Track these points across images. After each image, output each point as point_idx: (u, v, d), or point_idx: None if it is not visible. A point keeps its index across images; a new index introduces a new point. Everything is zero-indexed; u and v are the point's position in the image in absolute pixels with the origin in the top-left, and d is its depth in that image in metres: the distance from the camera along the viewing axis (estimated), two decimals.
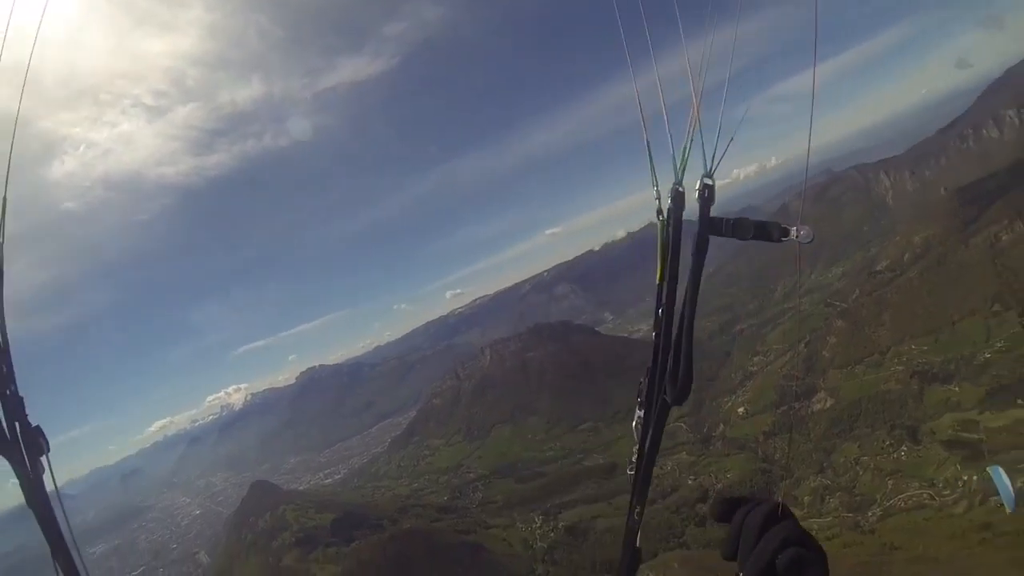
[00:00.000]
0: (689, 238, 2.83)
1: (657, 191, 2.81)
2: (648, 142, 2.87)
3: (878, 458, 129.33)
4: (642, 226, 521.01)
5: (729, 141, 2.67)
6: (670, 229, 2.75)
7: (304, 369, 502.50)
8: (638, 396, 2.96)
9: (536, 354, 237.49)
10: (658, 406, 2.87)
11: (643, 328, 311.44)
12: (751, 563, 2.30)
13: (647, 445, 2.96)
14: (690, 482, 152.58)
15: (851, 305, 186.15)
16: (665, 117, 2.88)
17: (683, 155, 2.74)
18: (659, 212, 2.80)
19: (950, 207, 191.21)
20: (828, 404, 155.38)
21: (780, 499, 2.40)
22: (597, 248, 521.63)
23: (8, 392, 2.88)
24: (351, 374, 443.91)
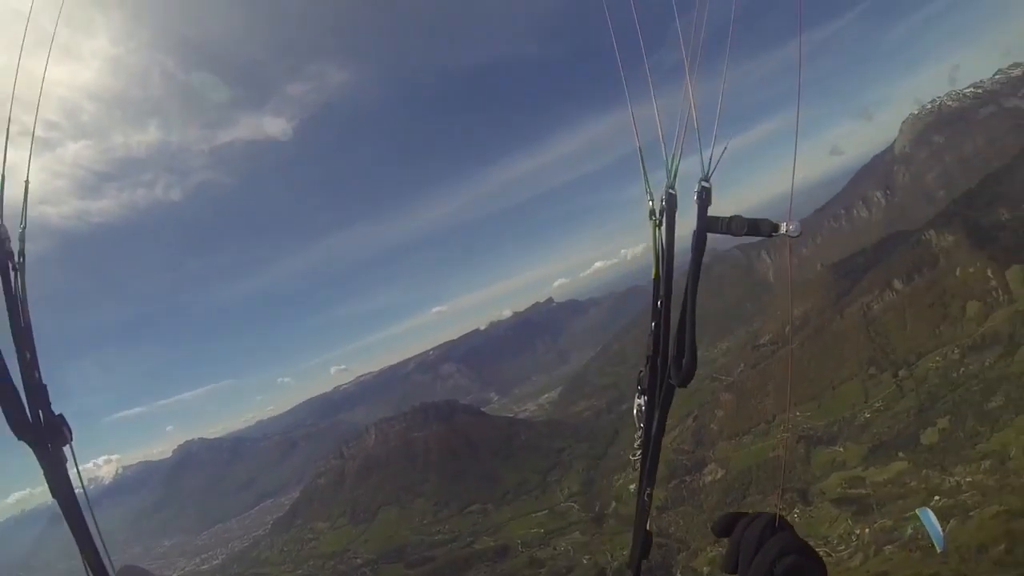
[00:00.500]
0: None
1: (649, 193, 3.11)
2: (640, 146, 3.15)
3: None
4: (528, 306, 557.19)
5: (725, 147, 2.88)
6: (662, 229, 3.08)
7: (182, 442, 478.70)
8: (638, 385, 3.12)
9: (421, 434, 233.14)
10: (663, 390, 3.03)
11: (529, 408, 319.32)
12: (750, 573, 2.38)
13: (655, 428, 3.10)
14: (585, 561, 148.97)
15: (736, 378, 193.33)
16: (658, 120, 3.09)
17: (675, 158, 3.01)
18: (651, 213, 3.11)
19: (826, 281, 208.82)
20: (719, 475, 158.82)
21: (777, 511, 2.50)
22: (483, 327, 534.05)
23: (32, 381, 2.95)
24: (232, 449, 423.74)
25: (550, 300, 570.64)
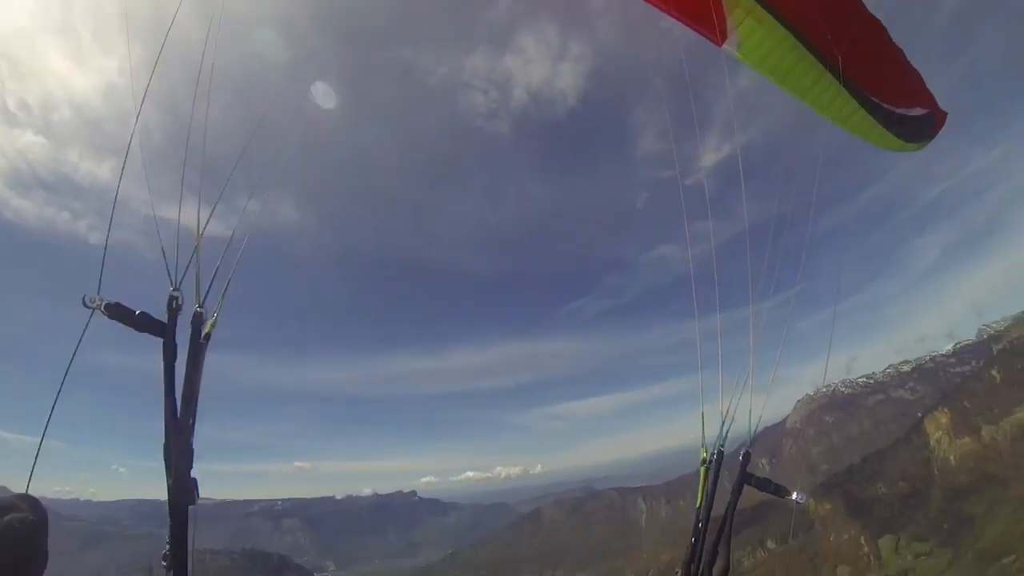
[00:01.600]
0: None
1: (704, 446, 4.38)
2: (703, 412, 4.46)
3: None
4: (391, 491, 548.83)
5: (759, 420, 4.32)
6: (712, 474, 4.27)
7: None
8: None
9: None
10: None
11: None
12: None
13: None
14: None
15: None
16: (720, 390, 4.57)
17: (727, 425, 4.31)
18: (703, 462, 4.38)
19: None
20: None
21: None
22: (339, 497, 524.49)
23: (188, 444, 4.04)
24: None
25: (413, 492, 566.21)
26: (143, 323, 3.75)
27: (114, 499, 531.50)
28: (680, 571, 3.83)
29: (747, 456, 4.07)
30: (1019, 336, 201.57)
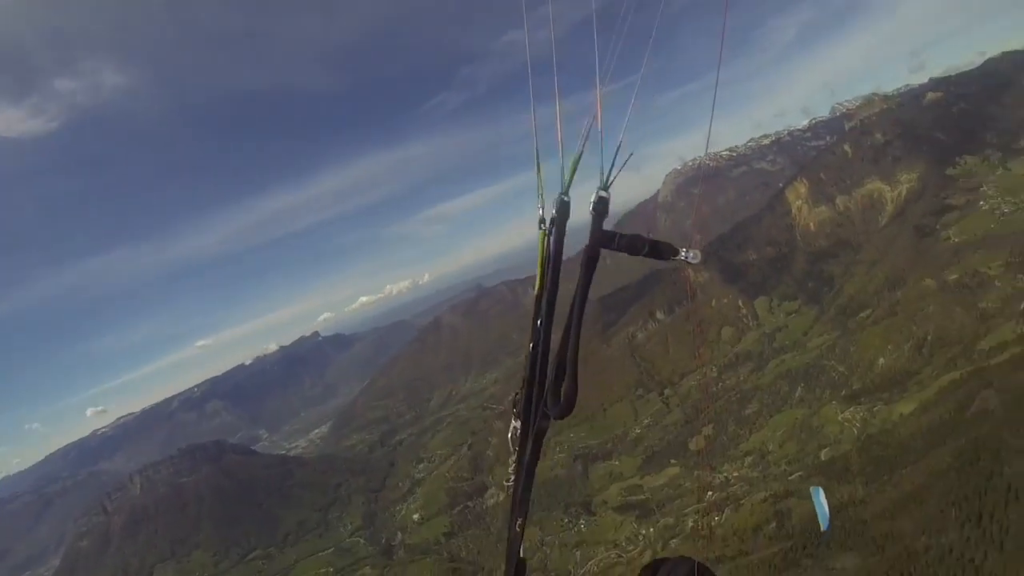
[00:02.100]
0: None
1: (542, 200, 2.96)
2: (537, 149, 2.94)
3: (561, 535, 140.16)
4: (294, 340, 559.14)
5: (629, 155, 2.78)
6: (551, 239, 2.93)
7: None
8: (514, 407, 3.05)
9: (191, 479, 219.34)
10: (537, 419, 2.92)
11: (300, 444, 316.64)
12: None
13: (528, 456, 3.01)
14: None
15: (506, 406, 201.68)
16: (558, 125, 2.92)
17: (573, 164, 2.84)
18: (541, 222, 2.96)
19: (593, 313, 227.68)
20: (501, 497, 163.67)
21: (697, 559, 2.48)
22: (248, 362, 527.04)
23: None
24: None
25: (316, 334, 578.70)
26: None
27: (41, 457, 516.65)
28: (520, 393, 3.00)
29: (602, 204, 2.78)
30: (868, 115, 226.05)
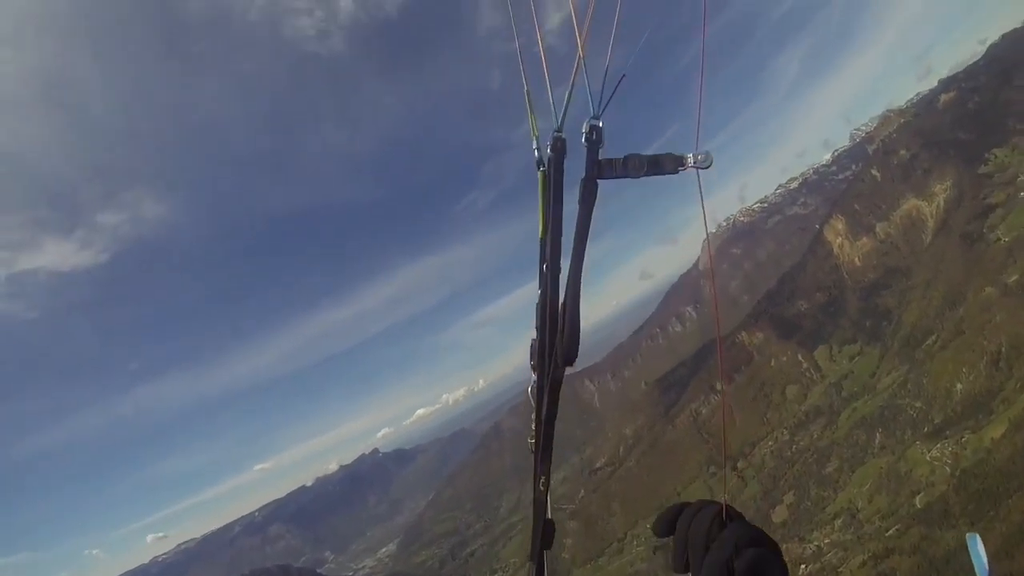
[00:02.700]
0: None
1: (536, 140, 2.69)
2: (528, 89, 2.72)
3: None
4: (355, 458, 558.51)
5: (620, 79, 2.53)
6: (551, 178, 2.63)
7: None
8: (531, 360, 2.82)
9: None
10: (551, 369, 2.75)
11: (368, 564, 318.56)
12: (706, 571, 2.21)
13: (544, 411, 2.88)
14: None
15: (578, 505, 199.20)
16: (542, 55, 2.72)
17: (566, 99, 2.60)
18: (539, 163, 2.67)
19: (652, 397, 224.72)
20: None
21: (724, 500, 2.35)
22: (310, 483, 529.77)
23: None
24: None
25: (376, 451, 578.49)
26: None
27: None
28: (533, 343, 2.78)
29: (595, 133, 2.57)
30: (888, 133, 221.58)
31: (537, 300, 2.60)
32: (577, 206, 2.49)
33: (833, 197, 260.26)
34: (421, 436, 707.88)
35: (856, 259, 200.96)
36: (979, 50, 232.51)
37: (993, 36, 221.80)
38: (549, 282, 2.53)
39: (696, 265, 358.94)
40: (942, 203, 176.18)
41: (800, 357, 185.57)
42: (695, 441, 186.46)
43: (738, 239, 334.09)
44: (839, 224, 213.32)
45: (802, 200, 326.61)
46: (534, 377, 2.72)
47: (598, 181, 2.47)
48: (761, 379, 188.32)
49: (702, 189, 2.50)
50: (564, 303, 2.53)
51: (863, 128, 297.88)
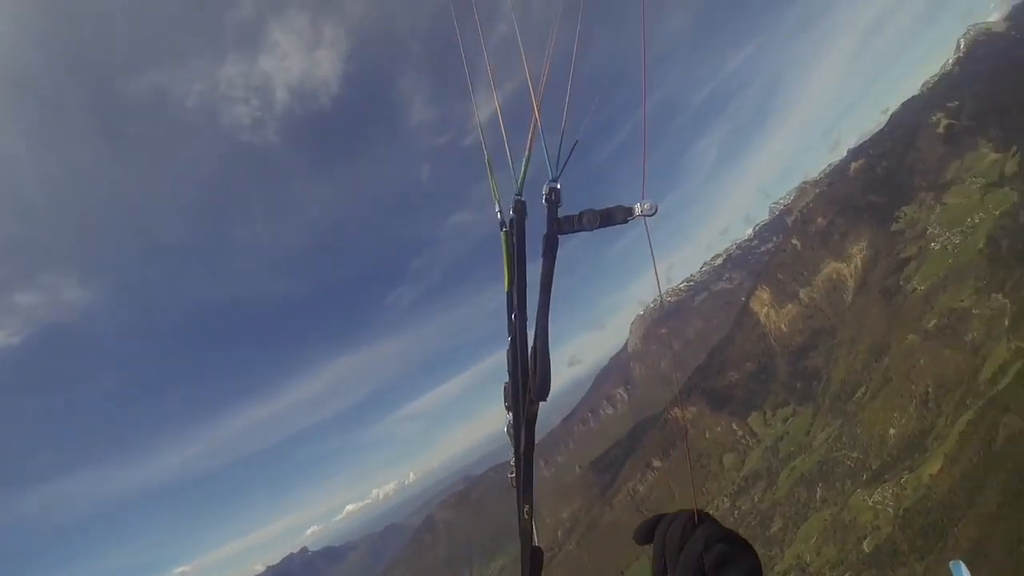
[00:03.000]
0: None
1: (498, 203, 3.03)
2: (488, 156, 3.10)
3: None
4: (282, 558, 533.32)
5: (574, 144, 2.91)
6: (514, 238, 2.97)
7: None
8: (505, 401, 3.09)
9: None
10: (526, 407, 3.01)
11: None
12: (679, 570, 2.45)
13: (522, 445, 3.08)
14: None
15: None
16: (503, 129, 3.09)
17: (524, 166, 2.97)
18: (501, 224, 3.02)
19: (587, 480, 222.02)
20: None
21: (695, 507, 2.60)
22: None
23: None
24: None
25: (305, 550, 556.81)
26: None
27: None
28: (506, 387, 3.10)
29: (554, 194, 2.99)
30: (805, 203, 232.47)
31: (507, 348, 2.88)
32: (541, 259, 2.82)
33: (757, 269, 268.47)
34: (351, 532, 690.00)
35: (783, 325, 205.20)
36: (882, 119, 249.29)
37: (894, 105, 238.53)
38: (518, 328, 2.83)
39: (625, 348, 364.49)
40: (860, 263, 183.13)
41: (734, 426, 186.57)
42: (635, 519, 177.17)
43: (666, 319, 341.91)
44: (764, 294, 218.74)
45: (727, 275, 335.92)
46: (509, 417, 2.93)
47: (558, 236, 2.79)
48: (697, 451, 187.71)
49: (650, 236, 2.77)
50: (534, 346, 2.81)
51: (781, 201, 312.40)
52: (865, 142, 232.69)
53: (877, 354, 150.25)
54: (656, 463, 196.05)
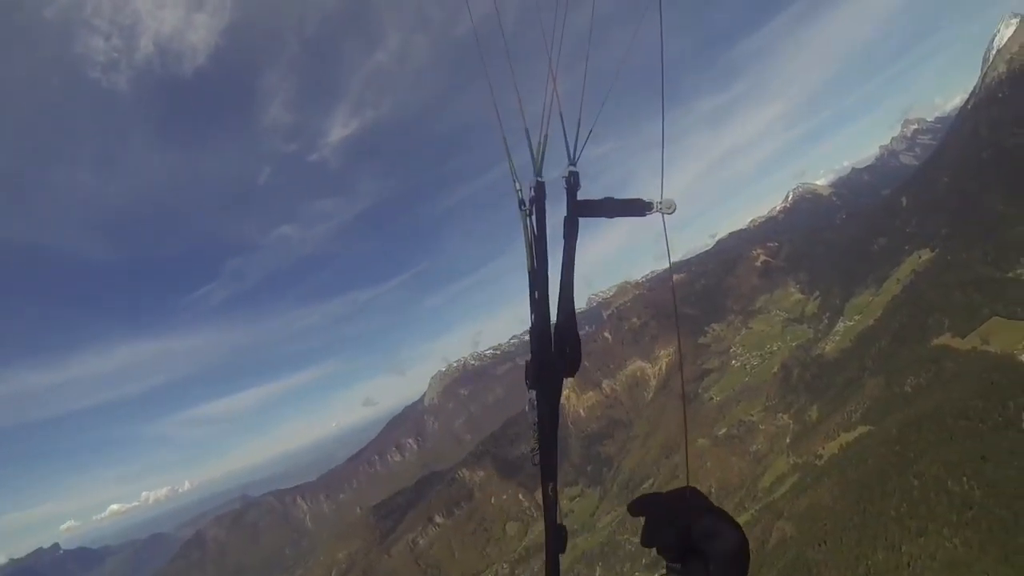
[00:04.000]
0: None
1: (518, 184, 3.26)
2: (505, 138, 3.31)
3: None
4: (29, 551, 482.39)
5: (589, 132, 3.17)
6: (533, 218, 3.20)
7: None
8: (527, 379, 3.22)
9: None
10: (554, 381, 3.16)
11: None
12: (667, 538, 2.61)
13: (547, 420, 3.19)
14: None
15: None
16: (521, 112, 3.24)
17: (540, 148, 3.24)
18: (521, 203, 3.23)
19: (368, 523, 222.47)
20: None
21: (688, 484, 2.69)
22: None
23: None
24: None
25: (56, 546, 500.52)
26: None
27: None
28: (528, 364, 3.16)
29: (573, 178, 3.14)
30: (623, 302, 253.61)
31: (530, 326, 3.14)
32: (563, 241, 3.15)
33: None
34: (113, 535, 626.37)
35: (581, 410, 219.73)
36: (709, 242, 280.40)
37: (722, 233, 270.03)
38: (540, 307, 3.10)
39: (422, 400, 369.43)
40: (664, 366, 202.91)
41: (521, 496, 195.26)
42: (412, 571, 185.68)
43: (467, 381, 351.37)
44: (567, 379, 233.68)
45: None
46: (531, 395, 3.19)
47: (579, 218, 3.08)
48: (482, 514, 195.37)
49: (667, 229, 3.05)
50: (558, 323, 3.11)
51: (601, 294, 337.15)
52: (691, 258, 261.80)
53: (668, 452, 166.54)
54: (439, 519, 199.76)
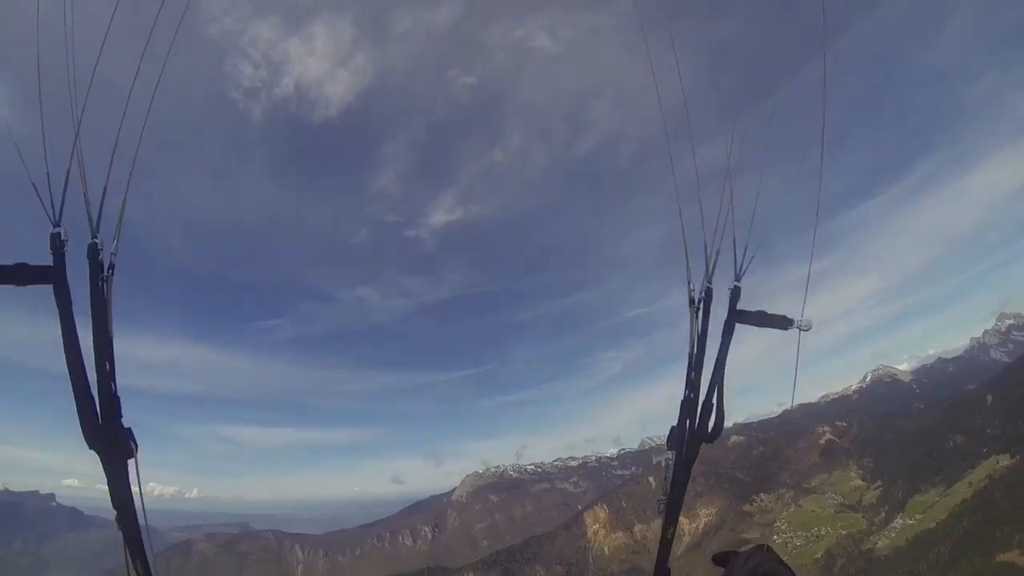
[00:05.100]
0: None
1: (691, 284, 4.19)
2: (686, 248, 4.25)
3: None
4: (25, 490, 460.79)
5: (751, 256, 4.13)
6: (699, 315, 4.10)
7: None
8: (668, 441, 4.11)
9: None
10: (692, 445, 4.04)
11: None
12: None
13: (680, 476, 4.08)
14: None
15: None
16: (703, 228, 4.28)
17: (713, 260, 4.16)
18: (691, 302, 4.15)
19: None
20: None
21: (765, 542, 3.21)
22: None
23: (107, 391, 3.38)
24: None
25: (52, 496, 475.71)
26: (24, 275, 3.12)
27: None
28: (672, 429, 4.01)
29: (736, 292, 3.95)
30: None
31: (682, 397, 3.99)
32: (720, 338, 4.01)
33: (606, 488, 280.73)
34: (108, 509, 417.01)
35: (606, 548, 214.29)
36: (776, 410, 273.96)
37: (789, 403, 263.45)
38: (695, 383, 3.93)
39: (451, 493, 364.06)
40: (702, 525, 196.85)
41: None
42: None
43: (501, 489, 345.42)
44: (602, 512, 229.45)
45: (575, 479, 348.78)
46: (668, 455, 4.10)
47: (736, 324, 3.92)
48: None
49: (799, 348, 4.01)
50: (706, 399, 3.95)
51: (654, 439, 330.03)
52: (752, 423, 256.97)
53: None
54: None
